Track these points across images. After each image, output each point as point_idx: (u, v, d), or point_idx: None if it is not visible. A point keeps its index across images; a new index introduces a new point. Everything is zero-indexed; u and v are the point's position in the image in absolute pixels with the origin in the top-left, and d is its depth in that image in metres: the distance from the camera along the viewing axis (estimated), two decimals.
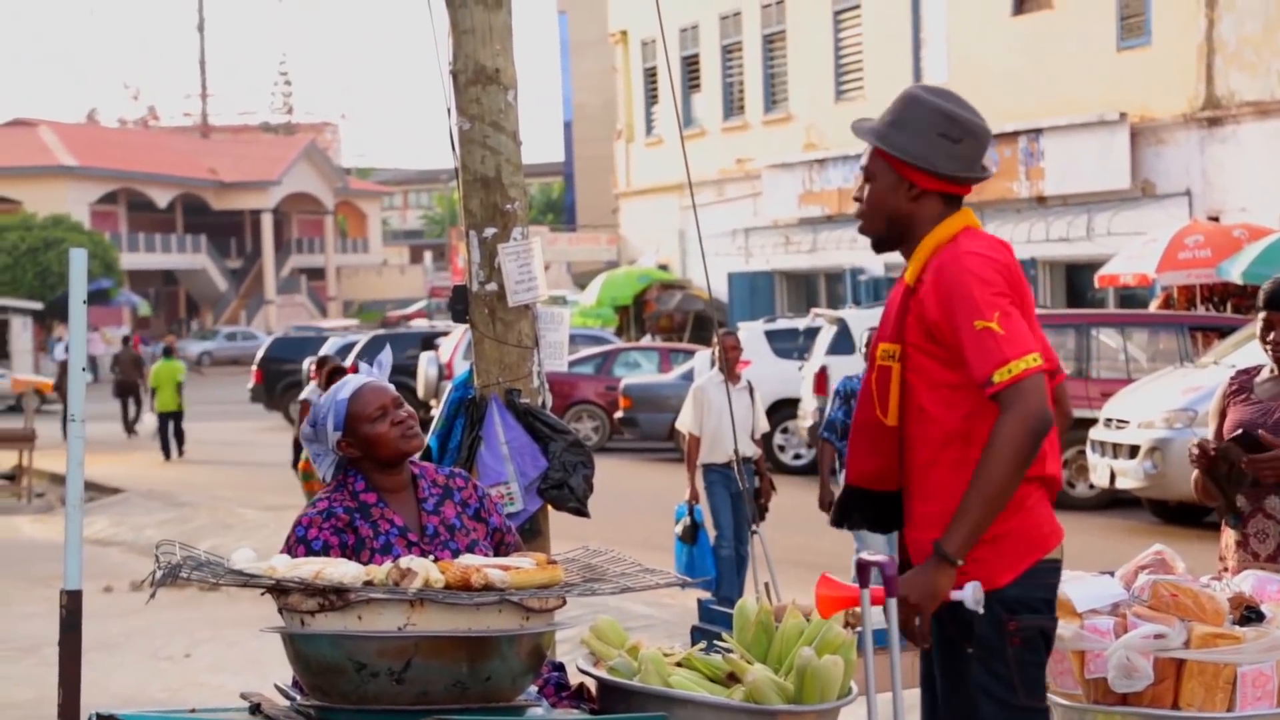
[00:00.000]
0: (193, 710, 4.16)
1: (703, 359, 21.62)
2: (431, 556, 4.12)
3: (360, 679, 3.74)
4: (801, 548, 13.35)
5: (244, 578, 3.84)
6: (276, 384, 34.04)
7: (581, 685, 4.33)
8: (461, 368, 7.17)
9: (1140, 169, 24.69)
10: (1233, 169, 23.34)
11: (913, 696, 4.24)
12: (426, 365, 27.32)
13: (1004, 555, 4.01)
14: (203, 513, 18.77)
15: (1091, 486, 16.44)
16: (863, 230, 4.27)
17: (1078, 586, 4.54)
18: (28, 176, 65.54)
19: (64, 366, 39.67)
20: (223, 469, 24.90)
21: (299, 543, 4.28)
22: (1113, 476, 15.43)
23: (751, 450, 11.25)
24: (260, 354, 35.67)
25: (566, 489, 6.24)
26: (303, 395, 14.63)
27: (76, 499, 4.31)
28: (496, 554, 4.43)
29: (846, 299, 30.12)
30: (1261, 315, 5.19)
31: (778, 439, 21.40)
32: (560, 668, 4.42)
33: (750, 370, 14.41)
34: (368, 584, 3.76)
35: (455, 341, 26.82)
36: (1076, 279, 26.30)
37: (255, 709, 3.99)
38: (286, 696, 4.14)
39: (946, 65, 28.62)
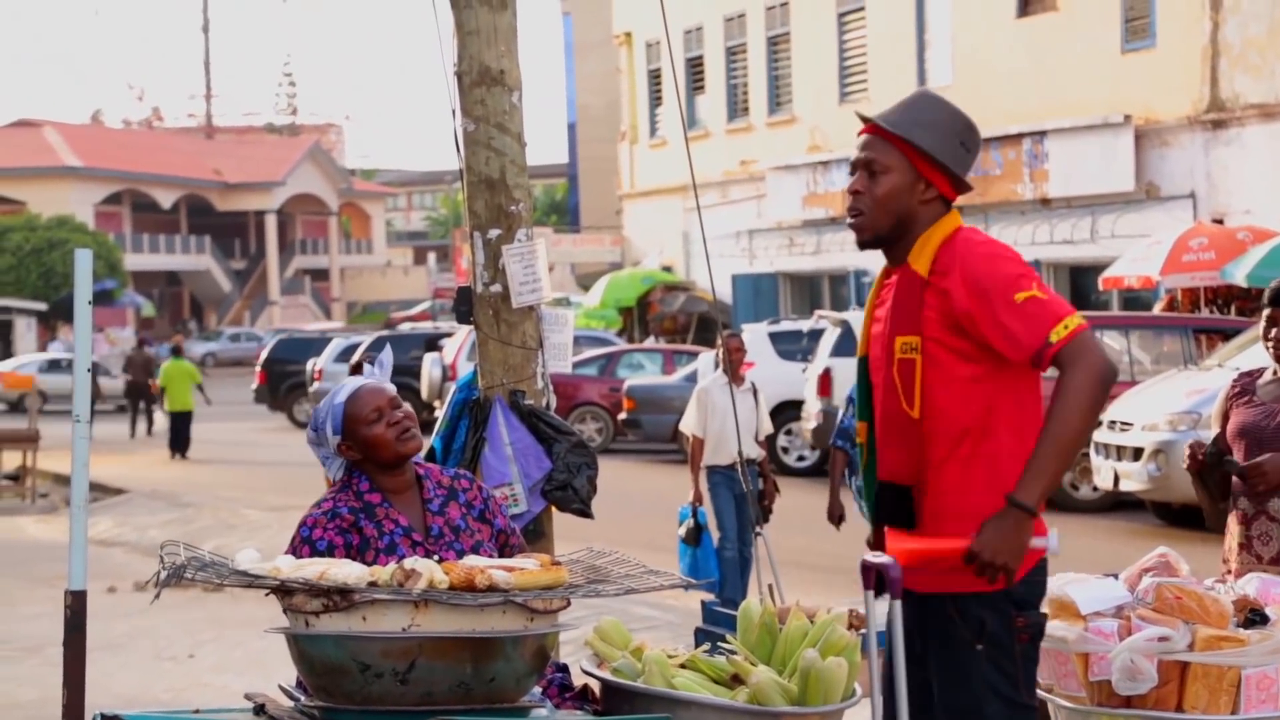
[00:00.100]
0: (197, 711, 4.16)
1: (706, 361, 21.61)
2: (436, 557, 4.13)
3: (364, 680, 3.74)
4: (805, 549, 13.34)
5: (248, 578, 3.84)
6: (280, 385, 34.07)
7: (585, 686, 4.33)
8: (465, 369, 7.16)
9: (1144, 171, 24.68)
10: (1237, 171, 23.33)
11: None
12: (430, 366, 27.33)
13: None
14: (206, 513, 18.77)
15: (1095, 489, 16.43)
16: (861, 226, 4.15)
17: (1082, 589, 4.54)
18: (32, 177, 65.62)
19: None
20: (226, 469, 24.91)
21: (304, 543, 4.29)
22: (1116, 479, 15.42)
23: (755, 452, 11.24)
24: (264, 355, 35.71)
25: (570, 490, 6.24)
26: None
27: (81, 499, 4.30)
28: (501, 555, 4.43)
29: (850, 301, 30.11)
30: (1265, 312, 5.19)
31: (781, 441, 21.40)
32: (564, 669, 4.43)
33: (754, 372, 14.40)
34: (372, 585, 3.76)
35: (459, 343, 26.84)
36: (1080, 281, 26.29)
37: (259, 710, 3.99)
38: (291, 697, 4.13)
39: (951, 67, 28.62)
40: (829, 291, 32.67)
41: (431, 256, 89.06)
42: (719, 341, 10.88)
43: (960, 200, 4.25)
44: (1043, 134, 26.05)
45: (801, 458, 21.65)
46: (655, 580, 4.07)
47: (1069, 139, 25.66)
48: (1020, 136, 26.28)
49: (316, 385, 30.89)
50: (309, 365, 32.20)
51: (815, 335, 21.82)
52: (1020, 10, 27.21)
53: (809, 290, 33.71)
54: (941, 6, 29.12)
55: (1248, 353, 14.27)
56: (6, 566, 15.38)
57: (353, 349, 30.05)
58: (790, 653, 4.07)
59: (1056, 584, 4.58)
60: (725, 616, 5.30)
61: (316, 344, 34.94)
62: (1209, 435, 5.36)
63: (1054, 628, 4.45)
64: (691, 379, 21.49)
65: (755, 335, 22.17)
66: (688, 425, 11.59)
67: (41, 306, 51.40)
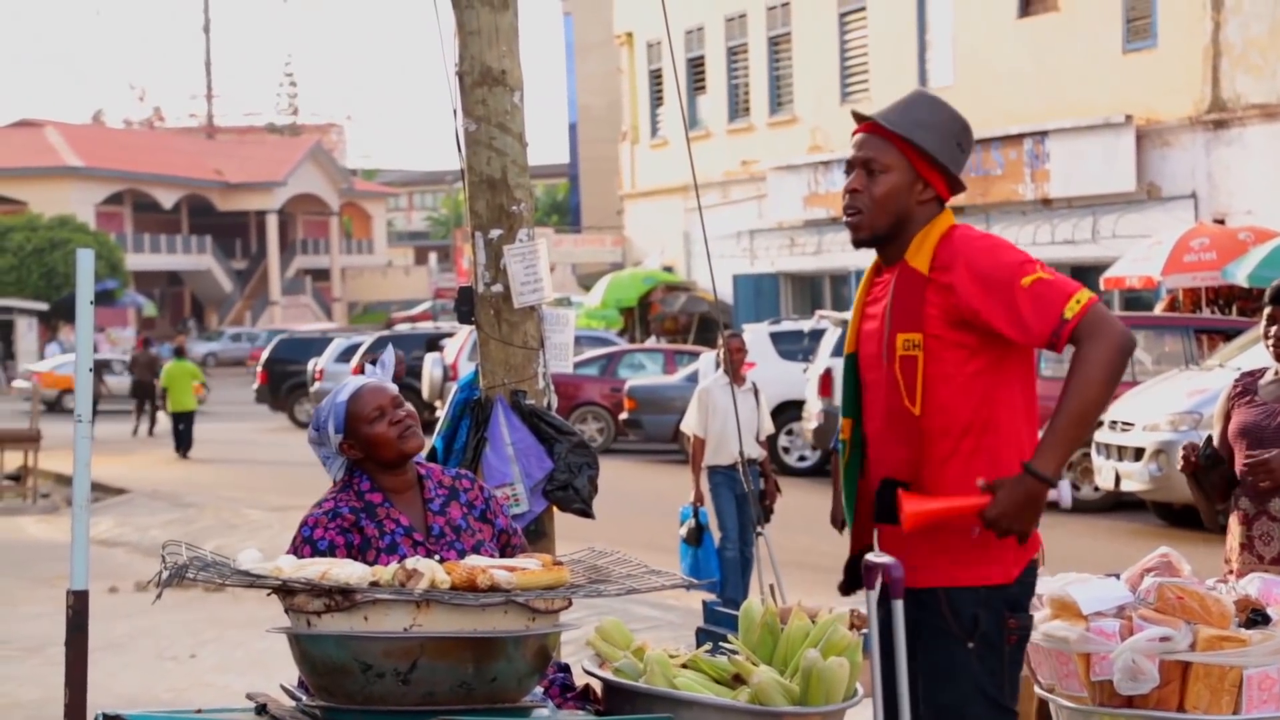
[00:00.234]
0: (198, 710, 4.16)
1: (707, 361, 21.61)
2: (437, 557, 4.13)
3: (366, 679, 3.74)
4: (806, 549, 13.34)
5: (250, 578, 3.84)
6: (281, 385, 34.08)
7: (587, 686, 4.33)
8: (467, 369, 7.15)
9: (1146, 171, 24.68)
10: (1238, 172, 23.33)
11: None
12: (431, 366, 27.34)
13: (1013, 552, 4.06)
14: (208, 513, 18.77)
15: (1096, 489, 16.43)
16: (859, 224, 4.14)
17: (1083, 589, 4.54)
18: (33, 177, 65.62)
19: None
20: (228, 469, 24.91)
21: (305, 543, 4.29)
22: (1118, 479, 15.42)
23: (756, 452, 11.24)
24: (265, 355, 35.72)
25: (571, 490, 6.24)
26: None
27: (83, 499, 4.30)
28: (502, 555, 4.43)
29: (851, 301, 30.10)
30: (1266, 311, 5.20)
31: (782, 441, 21.41)
32: (566, 669, 4.42)
33: (755, 372, 14.39)
34: (374, 585, 3.76)
35: (460, 343, 26.85)
36: (1082, 281, 26.13)
37: (261, 709, 3.99)
38: (292, 697, 4.13)
39: (952, 67, 28.62)
40: (830, 291, 32.67)
41: (433, 256, 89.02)
42: (720, 342, 10.88)
43: (962, 200, 4.28)
44: (1044, 134, 26.05)
45: (803, 458, 21.66)
46: (657, 580, 4.07)
47: (1070, 139, 25.66)
48: (1021, 137, 26.28)
49: (317, 385, 30.91)
50: (310, 365, 32.22)
51: (816, 335, 21.83)
52: (1021, 10, 27.21)
53: (810, 290, 33.71)
54: (942, 7, 29.12)
55: (1249, 353, 14.27)
56: (8, 566, 15.38)
57: (354, 349, 30.07)
58: (792, 653, 4.07)
59: (1058, 584, 4.59)
60: (727, 616, 5.29)
61: (317, 344, 34.94)
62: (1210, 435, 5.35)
63: (1055, 628, 4.45)
64: (692, 379, 21.50)
65: (756, 335, 22.17)
66: (689, 425, 11.59)
67: (43, 306, 51.40)
